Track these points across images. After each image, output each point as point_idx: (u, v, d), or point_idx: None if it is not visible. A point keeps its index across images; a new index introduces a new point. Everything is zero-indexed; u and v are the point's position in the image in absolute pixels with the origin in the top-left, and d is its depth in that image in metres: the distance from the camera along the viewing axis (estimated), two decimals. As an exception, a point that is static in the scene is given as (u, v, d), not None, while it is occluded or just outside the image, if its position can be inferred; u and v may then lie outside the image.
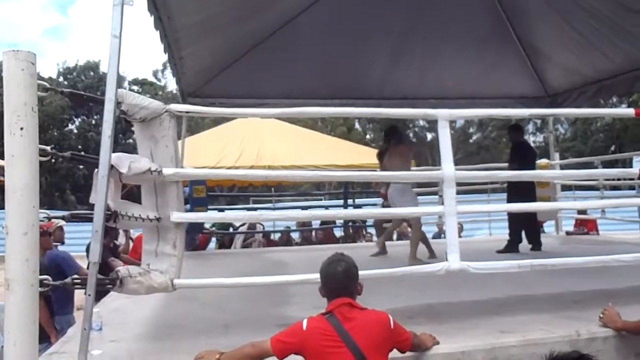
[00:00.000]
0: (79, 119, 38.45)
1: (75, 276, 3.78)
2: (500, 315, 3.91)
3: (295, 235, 12.56)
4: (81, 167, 28.94)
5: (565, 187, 10.95)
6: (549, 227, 10.96)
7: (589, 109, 8.78)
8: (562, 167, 9.94)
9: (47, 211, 3.26)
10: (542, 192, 8.83)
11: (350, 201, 13.26)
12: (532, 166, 7.63)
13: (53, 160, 3.16)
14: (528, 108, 8.20)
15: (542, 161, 9.49)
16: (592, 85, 8.92)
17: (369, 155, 12.68)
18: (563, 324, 3.62)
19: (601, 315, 3.52)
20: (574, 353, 2.44)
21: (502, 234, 13.55)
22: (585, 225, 10.35)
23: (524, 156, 7.73)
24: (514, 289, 4.65)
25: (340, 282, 2.82)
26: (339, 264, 2.86)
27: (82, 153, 3.59)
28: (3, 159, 2.89)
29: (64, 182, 34.21)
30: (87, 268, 3.15)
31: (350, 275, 2.85)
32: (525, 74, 9.40)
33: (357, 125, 38.91)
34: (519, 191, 7.01)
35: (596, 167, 9.75)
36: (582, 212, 9.88)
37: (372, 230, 12.07)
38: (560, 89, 9.65)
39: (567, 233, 9.85)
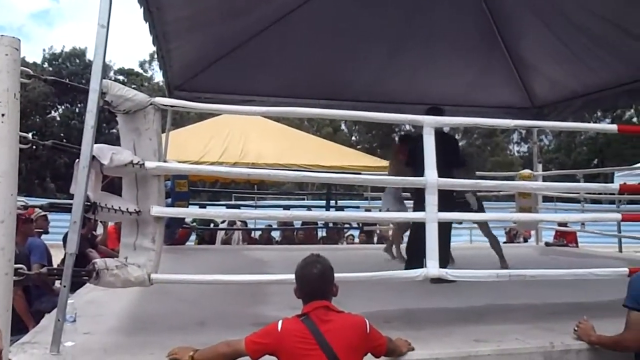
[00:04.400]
0: (63, 107, 38.08)
1: (51, 267, 3.75)
2: (476, 324, 3.92)
3: (276, 234, 12.55)
4: (62, 155, 28.70)
5: (547, 199, 11.04)
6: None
7: (574, 123, 8.82)
8: (545, 179, 10.00)
9: (25, 199, 3.23)
10: (524, 202, 8.89)
11: (333, 202, 13.30)
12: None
13: (34, 148, 3.12)
14: (514, 118, 8.24)
15: (525, 172, 9.55)
16: (578, 99, 9.01)
17: (354, 157, 12.73)
18: (538, 335, 3.64)
19: (576, 328, 3.55)
20: None
21: (483, 241, 13.68)
22: (565, 237, 10.43)
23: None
24: (492, 298, 4.66)
25: (315, 284, 2.81)
26: (315, 266, 2.85)
27: (64, 142, 3.55)
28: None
29: (44, 170, 33.85)
30: (64, 258, 3.11)
31: (325, 278, 2.84)
32: (512, 84, 9.46)
33: (343, 127, 38.99)
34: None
35: (578, 180, 9.85)
36: (562, 224, 9.96)
37: (355, 232, 12.13)
38: (546, 101, 9.73)
39: (547, 244, 9.92)
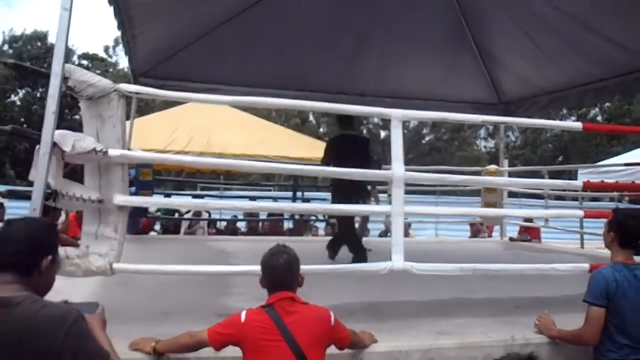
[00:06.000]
0: (23, 91, 37.09)
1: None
2: (440, 317, 3.95)
3: (241, 225, 12.48)
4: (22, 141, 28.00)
5: (512, 194, 11.17)
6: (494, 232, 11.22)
7: (540, 120, 8.85)
8: (511, 175, 10.12)
9: (-18, 185, 3.14)
10: (489, 197, 8.99)
11: (299, 194, 13.27)
12: None
13: (-8, 133, 3.03)
14: (481, 113, 8.34)
15: (491, 167, 9.65)
16: (544, 96, 9.14)
17: (322, 149, 12.69)
18: (500, 329, 3.68)
19: (537, 322, 3.59)
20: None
21: (449, 235, 13.82)
22: (529, 233, 10.57)
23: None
24: (456, 291, 4.70)
25: (281, 274, 2.79)
26: (281, 256, 2.83)
27: (25, 126, 3.46)
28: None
29: (2, 155, 32.93)
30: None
31: (291, 268, 2.82)
32: (480, 80, 9.54)
33: (311, 118, 38.91)
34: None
35: (543, 177, 9.97)
36: (528, 219, 10.09)
37: (319, 225, 12.13)
38: (513, 97, 9.84)
39: (511, 239, 10.04)
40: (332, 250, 6.60)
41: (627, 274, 3.29)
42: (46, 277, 2.21)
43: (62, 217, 8.31)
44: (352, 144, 6.39)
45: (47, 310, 2.01)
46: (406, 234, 6.76)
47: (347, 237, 6.59)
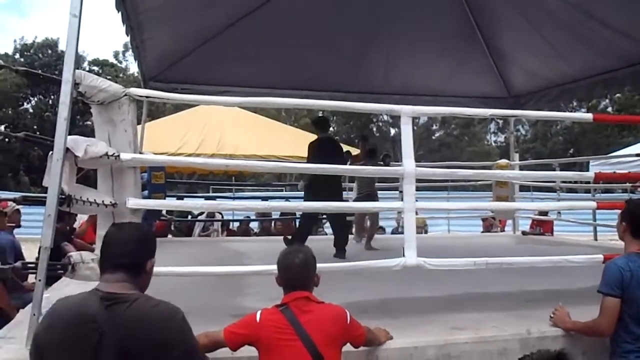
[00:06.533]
0: (35, 98, 37.36)
1: (27, 260, 3.70)
2: (454, 312, 3.94)
3: (254, 225, 12.51)
4: (36, 147, 28.17)
5: (524, 188, 11.13)
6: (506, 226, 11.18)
7: (550, 112, 8.91)
8: (522, 168, 10.08)
9: (-2, 192, 3.17)
10: (501, 191, 8.96)
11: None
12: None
13: (7, 140, 3.07)
14: (490, 108, 8.31)
15: (502, 161, 9.62)
16: (554, 88, 9.10)
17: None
18: (514, 322, 3.67)
19: (552, 315, 3.58)
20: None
21: (461, 230, 13.79)
22: (542, 226, 10.53)
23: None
24: (469, 286, 4.70)
25: (297, 273, 2.78)
26: (297, 255, 2.82)
27: (38, 134, 3.50)
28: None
29: (17, 163, 33.25)
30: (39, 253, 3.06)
31: (307, 267, 2.81)
32: (489, 74, 9.51)
33: (320, 117, 38.88)
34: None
35: (554, 169, 9.94)
36: (542, 213, 10.04)
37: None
38: (522, 91, 9.80)
39: (523, 233, 10.01)
40: (340, 251, 6.82)
41: (641, 264, 3.28)
42: (148, 277, 2.43)
43: (83, 221, 8.39)
44: (331, 146, 7.25)
45: (161, 307, 2.26)
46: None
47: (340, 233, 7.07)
